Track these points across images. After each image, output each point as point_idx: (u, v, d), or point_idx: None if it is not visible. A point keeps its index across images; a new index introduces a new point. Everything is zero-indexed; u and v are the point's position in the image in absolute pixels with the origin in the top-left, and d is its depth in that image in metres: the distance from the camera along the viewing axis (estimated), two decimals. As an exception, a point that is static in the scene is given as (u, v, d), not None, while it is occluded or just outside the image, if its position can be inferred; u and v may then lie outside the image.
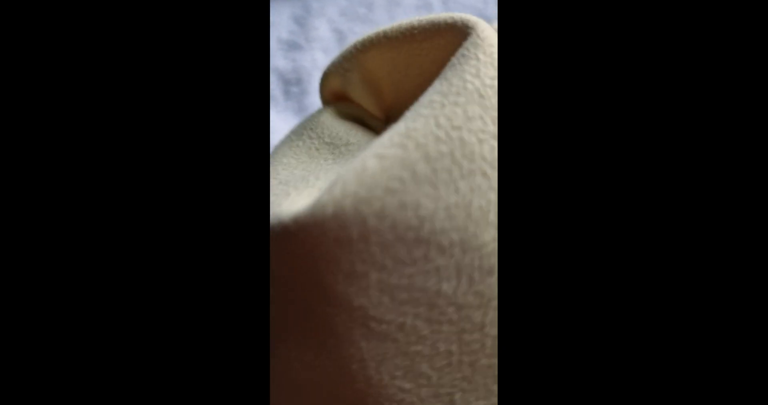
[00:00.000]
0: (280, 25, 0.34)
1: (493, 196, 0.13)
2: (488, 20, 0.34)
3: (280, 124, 0.31)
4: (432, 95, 0.14)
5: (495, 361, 0.15)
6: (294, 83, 0.32)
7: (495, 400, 0.15)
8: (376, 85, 0.20)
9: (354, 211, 0.13)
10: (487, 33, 0.16)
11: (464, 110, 0.14)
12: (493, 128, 0.14)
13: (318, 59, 0.33)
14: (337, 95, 0.21)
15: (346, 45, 0.33)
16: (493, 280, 0.14)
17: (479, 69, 0.15)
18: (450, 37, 0.17)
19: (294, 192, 0.16)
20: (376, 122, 0.21)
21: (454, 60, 0.16)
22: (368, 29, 0.33)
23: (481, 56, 0.15)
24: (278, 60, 0.33)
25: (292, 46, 0.33)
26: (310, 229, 0.13)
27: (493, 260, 0.14)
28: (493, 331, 0.14)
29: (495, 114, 0.14)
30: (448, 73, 0.15)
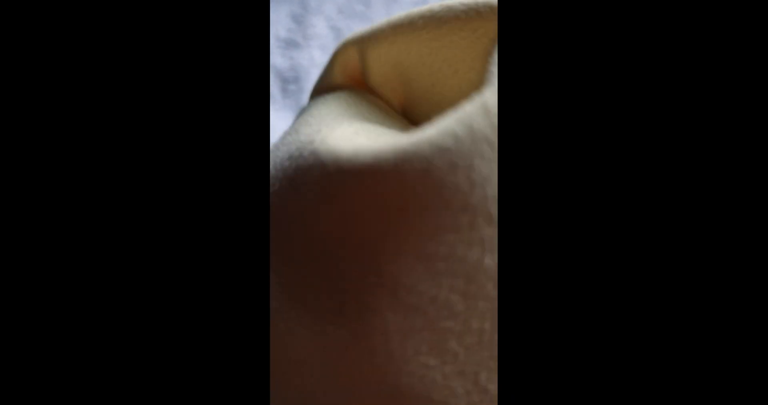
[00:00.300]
0: (278, 23, 0.34)
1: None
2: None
3: (279, 122, 0.31)
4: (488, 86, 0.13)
5: None
6: (292, 81, 0.32)
7: None
8: (401, 73, 0.18)
9: (393, 168, 0.12)
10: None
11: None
12: None
13: (316, 57, 0.33)
14: (354, 76, 0.19)
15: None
16: None
17: None
18: (478, 26, 0.16)
19: (326, 129, 0.15)
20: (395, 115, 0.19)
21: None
22: (366, 26, 0.33)
23: None
24: (276, 58, 0.33)
25: (290, 44, 0.33)
26: (348, 177, 0.12)
27: None
28: None
29: None
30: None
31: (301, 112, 0.18)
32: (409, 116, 0.19)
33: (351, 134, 0.14)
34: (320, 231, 0.13)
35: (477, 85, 0.17)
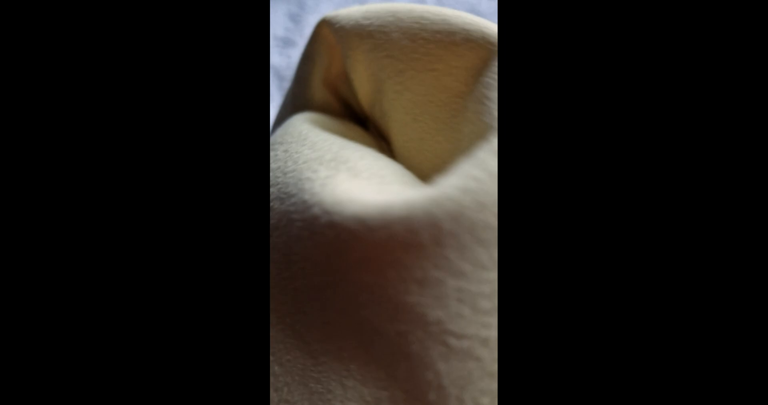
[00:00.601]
0: (276, 22, 0.34)
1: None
2: (481, 17, 0.35)
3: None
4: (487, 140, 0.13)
5: None
6: (289, 79, 0.32)
7: None
8: (375, 83, 0.18)
9: (424, 214, 0.12)
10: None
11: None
12: None
13: (313, 56, 0.33)
14: (335, 73, 0.18)
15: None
16: None
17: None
18: (468, 58, 0.15)
19: (324, 170, 0.14)
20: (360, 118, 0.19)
21: (485, 78, 0.14)
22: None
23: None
24: (274, 56, 0.33)
25: (288, 43, 0.34)
26: (376, 232, 0.12)
27: None
28: None
29: None
30: (490, 93, 0.14)
31: (283, 132, 0.18)
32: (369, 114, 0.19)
33: (356, 186, 0.14)
34: (347, 291, 0.12)
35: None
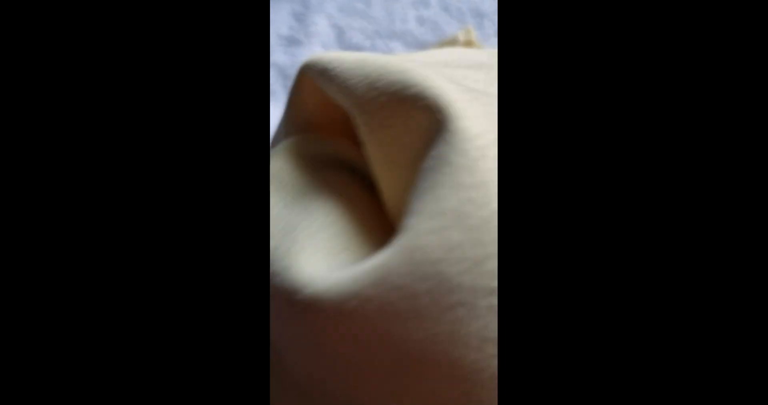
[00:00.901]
0: (280, 21, 0.35)
1: (477, 323, 0.13)
2: (484, 16, 0.35)
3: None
4: (408, 219, 0.13)
5: None
6: (293, 78, 0.33)
7: None
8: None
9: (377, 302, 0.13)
10: (464, 121, 0.13)
11: (441, 238, 0.12)
12: (474, 252, 0.12)
13: (317, 54, 0.33)
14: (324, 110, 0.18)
15: (345, 40, 0.34)
16: None
17: (454, 179, 0.13)
18: (420, 120, 0.14)
19: (284, 245, 0.15)
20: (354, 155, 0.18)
21: (425, 164, 0.13)
22: (367, 25, 0.34)
23: (454, 159, 0.13)
24: (278, 55, 0.34)
25: (292, 42, 0.34)
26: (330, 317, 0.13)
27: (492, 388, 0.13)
28: None
29: (478, 235, 0.13)
30: (421, 183, 0.13)
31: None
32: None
33: (320, 261, 0.14)
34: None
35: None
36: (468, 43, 0.32)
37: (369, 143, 0.15)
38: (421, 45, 0.34)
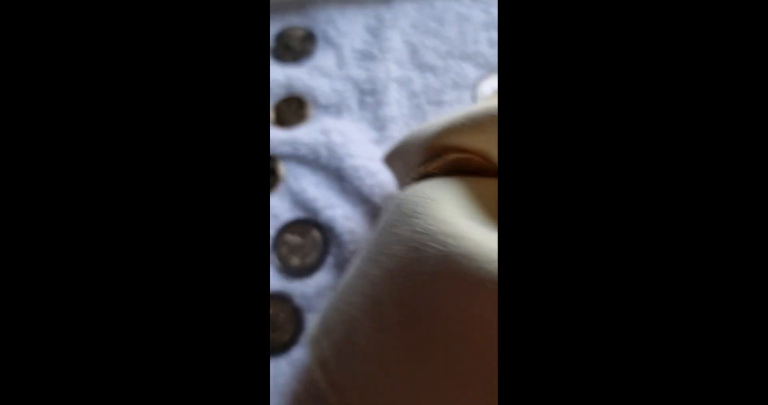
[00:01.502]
0: (354, 34, 0.34)
1: None
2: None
3: (356, 134, 0.31)
4: None
5: None
6: (369, 93, 0.33)
7: None
8: None
9: None
10: None
11: None
12: None
13: (392, 70, 0.33)
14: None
15: (418, 58, 0.33)
16: None
17: None
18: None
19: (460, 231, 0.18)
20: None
21: None
22: (440, 45, 0.34)
23: None
24: (353, 69, 0.33)
25: (367, 56, 0.34)
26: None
27: None
28: None
29: None
30: None
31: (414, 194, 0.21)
32: None
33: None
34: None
35: None
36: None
37: None
38: (492, 67, 0.34)
